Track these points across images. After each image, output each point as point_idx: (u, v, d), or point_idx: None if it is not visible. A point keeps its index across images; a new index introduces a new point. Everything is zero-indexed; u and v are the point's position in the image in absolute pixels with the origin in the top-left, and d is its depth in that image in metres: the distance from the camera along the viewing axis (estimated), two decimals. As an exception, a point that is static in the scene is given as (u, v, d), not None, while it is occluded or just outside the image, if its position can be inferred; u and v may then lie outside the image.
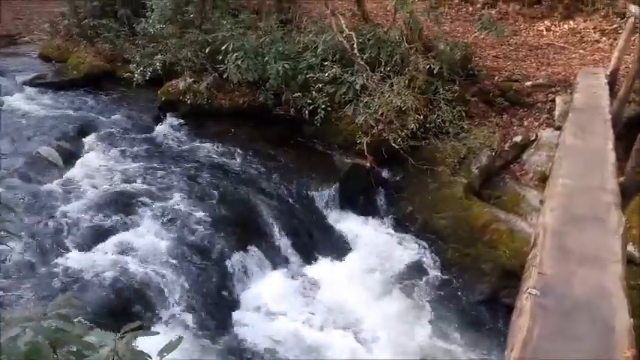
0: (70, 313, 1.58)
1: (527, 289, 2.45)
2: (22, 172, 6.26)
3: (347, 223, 6.55)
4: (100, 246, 5.25)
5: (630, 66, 6.60)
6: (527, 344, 2.19)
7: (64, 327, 1.51)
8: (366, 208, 6.77)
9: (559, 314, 2.35)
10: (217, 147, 7.40)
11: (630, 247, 4.57)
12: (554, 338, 2.22)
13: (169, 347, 1.54)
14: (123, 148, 7.15)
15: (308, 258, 5.97)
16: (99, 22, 9.72)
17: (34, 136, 7.26)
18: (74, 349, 1.54)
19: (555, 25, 10.17)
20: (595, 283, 2.59)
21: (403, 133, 6.41)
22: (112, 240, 5.33)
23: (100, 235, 5.38)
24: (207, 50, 7.78)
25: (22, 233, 4.98)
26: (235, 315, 5.12)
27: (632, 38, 7.11)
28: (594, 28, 9.80)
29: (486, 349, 4.95)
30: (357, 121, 6.76)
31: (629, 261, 3.57)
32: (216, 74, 7.70)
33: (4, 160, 6.52)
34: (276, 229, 6.02)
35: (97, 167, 6.60)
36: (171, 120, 8.06)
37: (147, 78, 8.05)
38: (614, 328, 2.28)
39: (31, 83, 9.29)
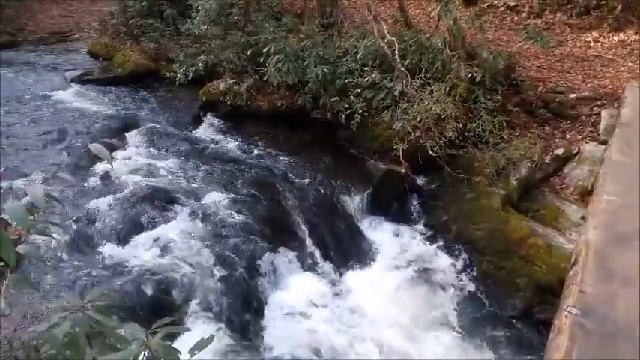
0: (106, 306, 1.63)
1: (567, 307, 2.38)
2: (65, 166, 6.48)
3: (379, 230, 6.51)
4: (135, 241, 5.36)
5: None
6: (565, 364, 2.13)
7: (102, 320, 1.55)
8: (399, 215, 6.71)
9: (599, 335, 2.27)
10: (254, 148, 7.49)
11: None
12: (593, 360, 2.15)
13: (201, 345, 1.56)
14: (163, 146, 7.32)
15: (338, 263, 5.96)
16: (145, 22, 9.97)
17: (80, 131, 7.51)
18: (107, 341, 1.58)
19: (604, 37, 9.86)
20: (638, 305, 2.49)
21: (441, 141, 6.32)
22: (147, 235, 5.44)
23: (135, 229, 5.51)
24: (248, 52, 7.89)
25: (65, 224, 5.14)
26: (262, 314, 5.15)
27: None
28: (645, 40, 9.45)
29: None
30: (394, 127, 6.71)
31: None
32: (257, 76, 7.80)
33: (51, 154, 6.77)
34: (307, 232, 6.04)
35: (136, 163, 6.76)
36: (210, 120, 8.20)
37: (189, 78, 8.21)
38: (658, 354, 2.19)
39: (78, 79, 9.62)
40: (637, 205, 3.53)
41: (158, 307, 4.69)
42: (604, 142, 6.30)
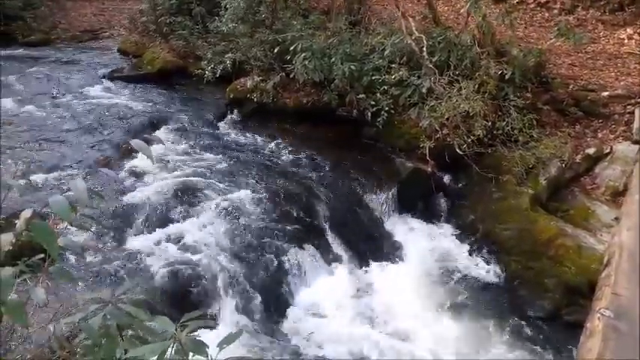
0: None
1: (600, 309, 2.33)
2: (96, 161, 6.64)
3: (404, 228, 6.48)
4: (162, 235, 5.42)
5: None
6: (597, 367, 2.09)
7: (134, 312, 1.58)
8: (424, 214, 6.67)
9: (633, 338, 2.22)
10: (279, 145, 7.53)
11: None
12: (627, 363, 2.11)
13: (229, 339, 1.58)
14: (190, 142, 7.42)
15: (363, 260, 5.95)
16: (174, 20, 10.09)
17: (111, 127, 7.67)
18: (137, 334, 1.62)
19: (638, 34, 9.58)
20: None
21: (469, 139, 6.24)
22: (173, 230, 5.50)
23: (162, 224, 5.56)
24: (276, 50, 7.91)
25: (97, 217, 5.26)
26: (287, 311, 5.18)
27: None
28: (683, 37, 9.16)
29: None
30: (421, 124, 6.66)
31: None
32: (283, 74, 7.82)
33: (83, 149, 6.93)
34: (332, 229, 6.04)
35: (165, 159, 6.86)
36: (237, 117, 8.28)
37: (217, 75, 8.28)
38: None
39: (109, 76, 9.84)
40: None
41: (185, 301, 4.76)
42: (637, 142, 6.16)
